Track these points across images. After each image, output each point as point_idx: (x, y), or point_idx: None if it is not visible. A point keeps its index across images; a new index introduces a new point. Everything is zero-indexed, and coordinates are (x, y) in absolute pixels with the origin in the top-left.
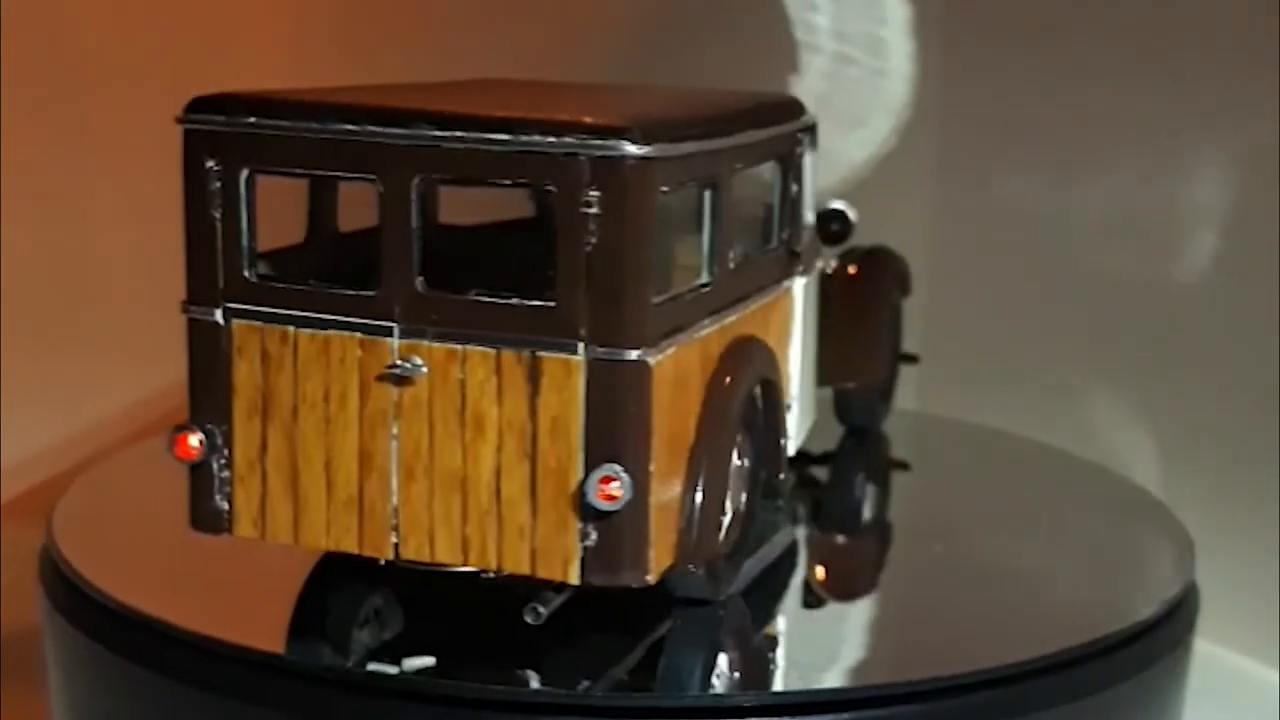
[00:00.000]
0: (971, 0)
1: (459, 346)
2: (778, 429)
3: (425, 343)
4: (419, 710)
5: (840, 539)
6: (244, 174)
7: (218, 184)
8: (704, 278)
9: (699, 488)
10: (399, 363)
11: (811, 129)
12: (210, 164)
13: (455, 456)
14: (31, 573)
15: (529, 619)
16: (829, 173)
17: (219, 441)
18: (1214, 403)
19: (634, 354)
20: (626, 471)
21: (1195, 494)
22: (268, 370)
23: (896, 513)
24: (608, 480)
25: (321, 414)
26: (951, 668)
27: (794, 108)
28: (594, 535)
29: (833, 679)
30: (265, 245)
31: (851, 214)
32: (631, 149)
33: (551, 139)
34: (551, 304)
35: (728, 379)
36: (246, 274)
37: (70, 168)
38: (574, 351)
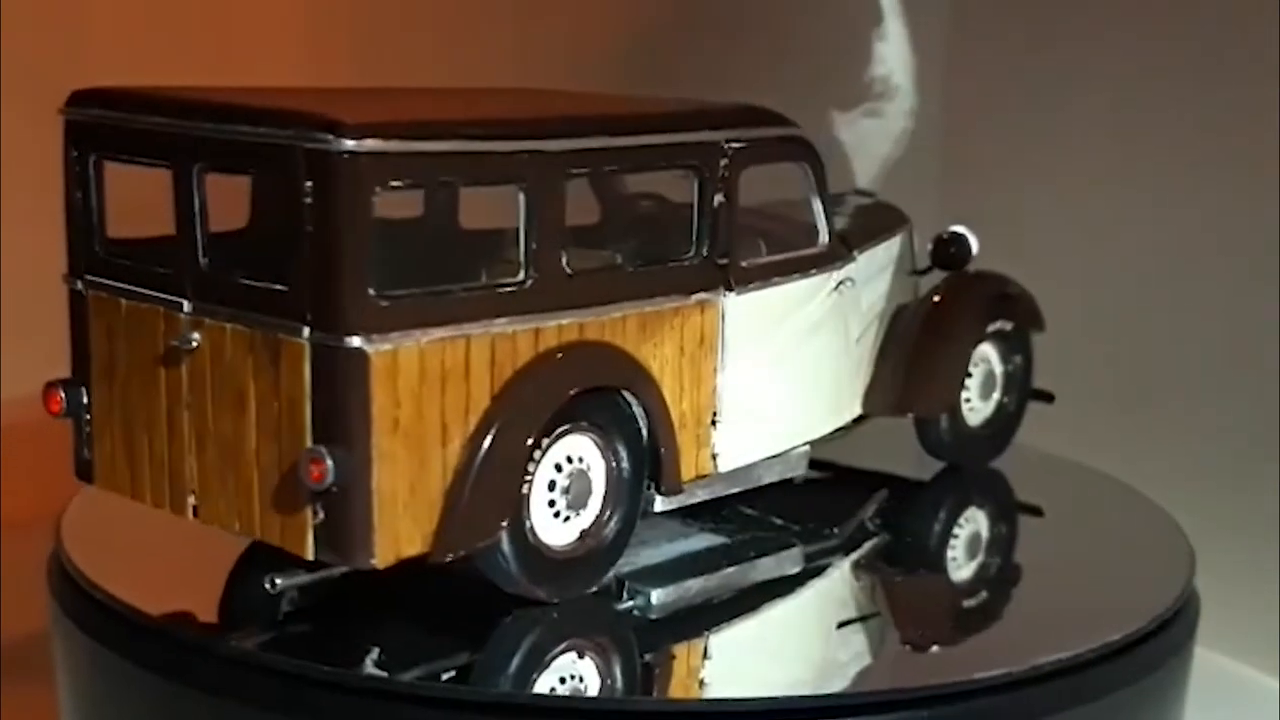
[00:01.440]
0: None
1: (228, 325)
2: (659, 440)
3: (206, 320)
4: (421, 711)
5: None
6: (91, 160)
7: (77, 169)
8: (520, 277)
9: (468, 477)
10: (183, 336)
11: (780, 141)
12: (73, 151)
13: (228, 428)
14: (33, 578)
15: (267, 588)
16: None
17: (83, 399)
18: (1215, 409)
19: (350, 341)
20: (337, 454)
21: (1196, 501)
22: (112, 337)
23: (896, 512)
24: (314, 462)
25: (139, 380)
26: (952, 675)
27: (733, 118)
28: (321, 514)
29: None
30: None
31: (972, 239)
32: (345, 144)
33: (278, 131)
34: (284, 289)
35: (530, 379)
36: (97, 249)
37: None
38: (301, 335)
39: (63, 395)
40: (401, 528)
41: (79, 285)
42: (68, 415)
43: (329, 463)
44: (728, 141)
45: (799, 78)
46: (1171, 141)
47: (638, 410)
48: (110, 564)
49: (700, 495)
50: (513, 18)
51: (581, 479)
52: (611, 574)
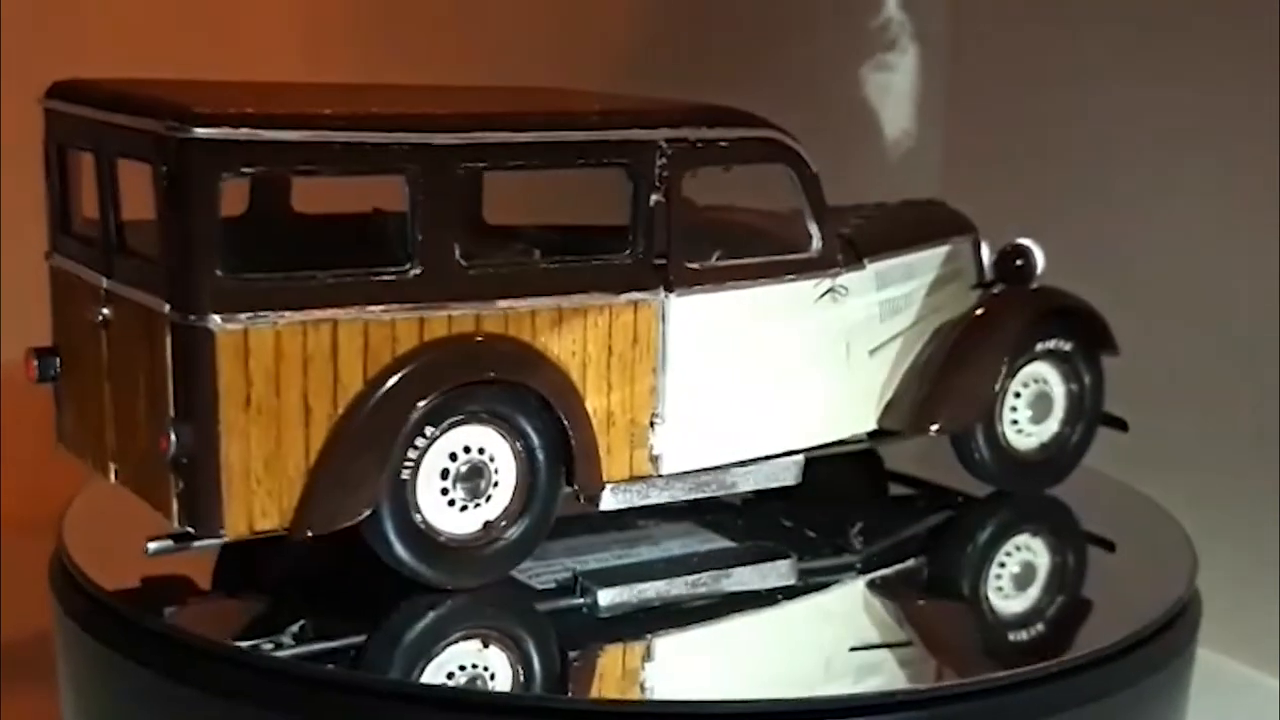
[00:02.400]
0: None
1: (127, 302)
2: (571, 437)
3: (115, 296)
4: (424, 711)
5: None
6: (55, 147)
7: (49, 155)
8: (403, 267)
9: (330, 459)
10: (98, 311)
11: (747, 142)
12: (47, 138)
13: (128, 399)
14: (34, 578)
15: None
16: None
17: (55, 367)
18: (1216, 410)
19: (197, 320)
20: (184, 428)
21: (1198, 502)
22: (68, 310)
23: (896, 514)
24: (161, 434)
25: (82, 351)
26: (953, 676)
27: (677, 117)
28: (181, 484)
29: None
30: None
31: (1036, 253)
32: (194, 131)
33: (147, 120)
34: (157, 269)
35: (407, 367)
36: (68, 230)
37: None
38: (165, 313)
39: (36, 362)
40: (256, 502)
41: (54, 261)
42: (41, 381)
43: (173, 435)
44: (667, 141)
45: (799, 77)
46: (1171, 140)
47: (539, 405)
48: (112, 563)
49: (655, 497)
50: (521, 17)
51: (477, 470)
52: (572, 571)
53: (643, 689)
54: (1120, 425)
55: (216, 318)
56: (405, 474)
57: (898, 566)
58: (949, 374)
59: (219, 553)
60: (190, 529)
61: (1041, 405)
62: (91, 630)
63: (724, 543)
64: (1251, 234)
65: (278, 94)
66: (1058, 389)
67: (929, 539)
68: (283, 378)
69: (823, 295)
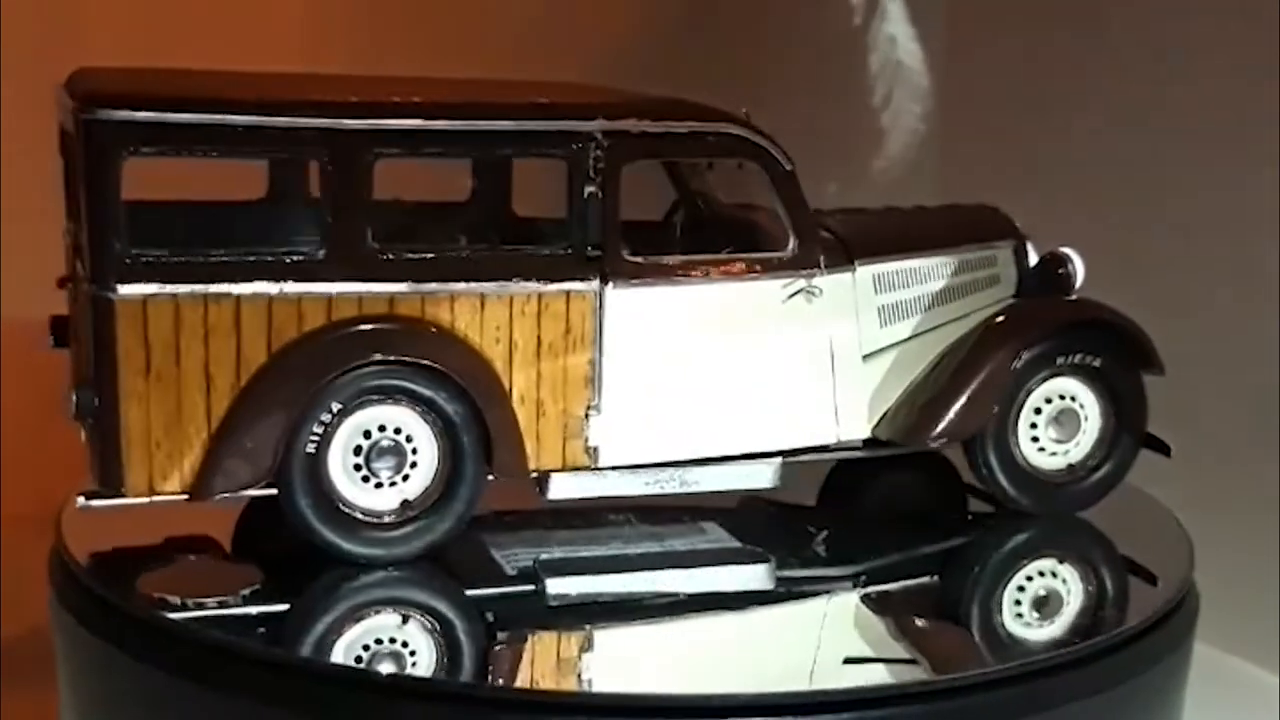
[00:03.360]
0: None
1: (79, 274)
2: (488, 421)
3: (77, 270)
4: (426, 710)
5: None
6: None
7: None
8: (313, 248)
9: (227, 427)
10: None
11: (703, 136)
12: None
13: (79, 365)
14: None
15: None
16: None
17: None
18: (1214, 404)
19: (100, 290)
20: (87, 391)
21: (1195, 496)
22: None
23: (894, 515)
24: (66, 397)
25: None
26: (950, 670)
27: (619, 109)
28: (92, 443)
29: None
30: None
31: (1076, 263)
32: (98, 112)
33: (75, 103)
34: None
35: (308, 344)
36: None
37: None
38: (85, 282)
39: (52, 334)
40: (156, 465)
41: (66, 240)
42: (55, 346)
43: (74, 397)
44: (603, 133)
45: (798, 79)
46: (1171, 140)
47: (460, 388)
48: (111, 558)
49: (605, 490)
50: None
51: (389, 449)
52: (534, 559)
53: (556, 679)
54: (1163, 449)
55: (118, 288)
56: (311, 448)
57: (898, 584)
58: (949, 383)
59: (219, 545)
60: (100, 487)
61: (1068, 423)
62: (90, 626)
63: (715, 544)
64: (1251, 233)
65: (250, 82)
66: (1090, 407)
67: (941, 559)
68: (183, 348)
69: (793, 296)
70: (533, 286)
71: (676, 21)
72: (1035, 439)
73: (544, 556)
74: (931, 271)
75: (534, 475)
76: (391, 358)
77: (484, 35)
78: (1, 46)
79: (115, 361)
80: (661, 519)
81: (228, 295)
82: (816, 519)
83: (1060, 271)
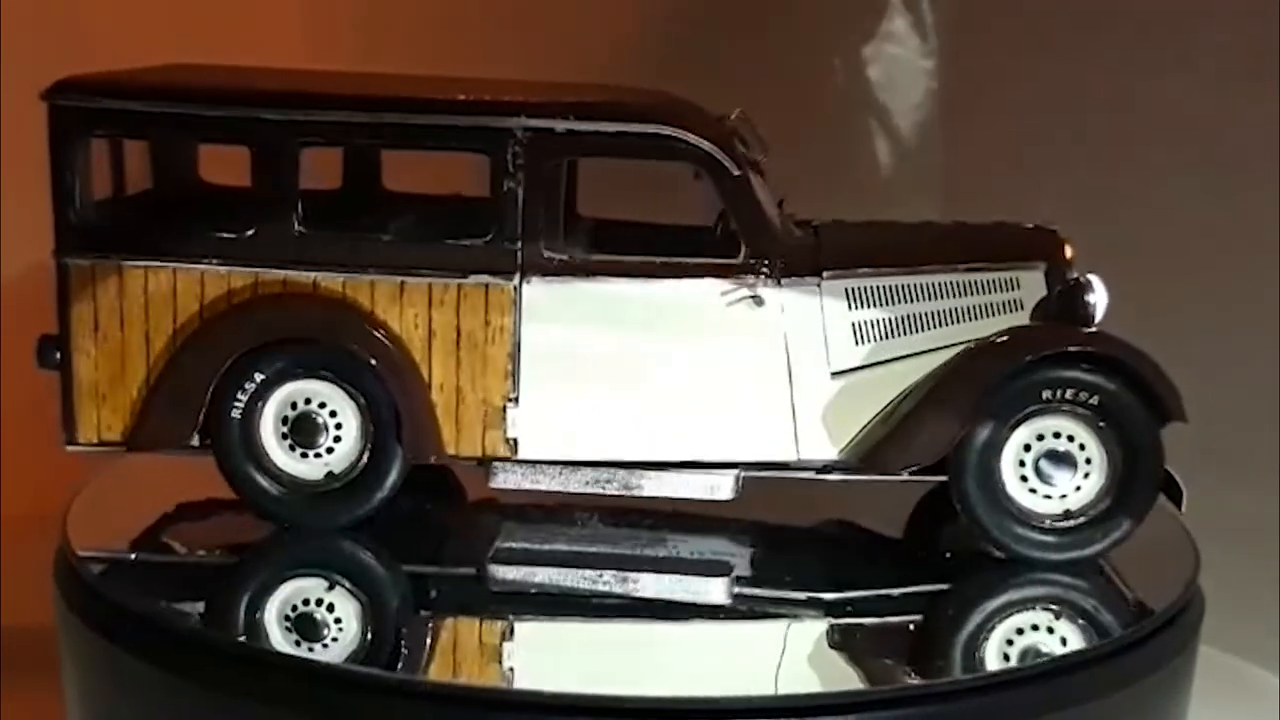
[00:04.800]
0: None
1: None
2: (400, 403)
3: None
4: (426, 710)
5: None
6: None
7: None
8: (244, 230)
9: (157, 387)
10: None
11: (628, 136)
12: None
13: None
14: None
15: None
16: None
17: None
18: (1216, 406)
19: (59, 257)
20: (49, 345)
21: (1199, 498)
22: None
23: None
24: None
25: None
26: (951, 673)
27: (542, 109)
28: (60, 394)
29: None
30: None
31: (1095, 292)
32: (58, 99)
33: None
34: None
35: (231, 316)
36: None
37: None
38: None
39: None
40: (102, 417)
41: None
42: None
43: (38, 350)
44: (524, 130)
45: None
46: (1171, 141)
47: (367, 369)
48: (115, 558)
49: (545, 485)
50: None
51: (307, 421)
52: (486, 546)
53: (472, 662)
54: (1176, 497)
55: (71, 258)
56: (236, 413)
57: (879, 620)
58: (907, 410)
59: (224, 544)
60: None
61: (1062, 465)
62: (95, 626)
63: (677, 553)
64: (1252, 233)
65: (228, 76)
66: (1091, 449)
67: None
68: (126, 313)
69: (734, 303)
70: (454, 278)
71: (678, 20)
72: (1024, 479)
73: (502, 545)
74: (922, 290)
75: (480, 464)
76: (302, 336)
77: (484, 35)
78: (1, 46)
79: (69, 321)
80: (636, 523)
81: (165, 267)
82: (821, 541)
83: (1073, 301)
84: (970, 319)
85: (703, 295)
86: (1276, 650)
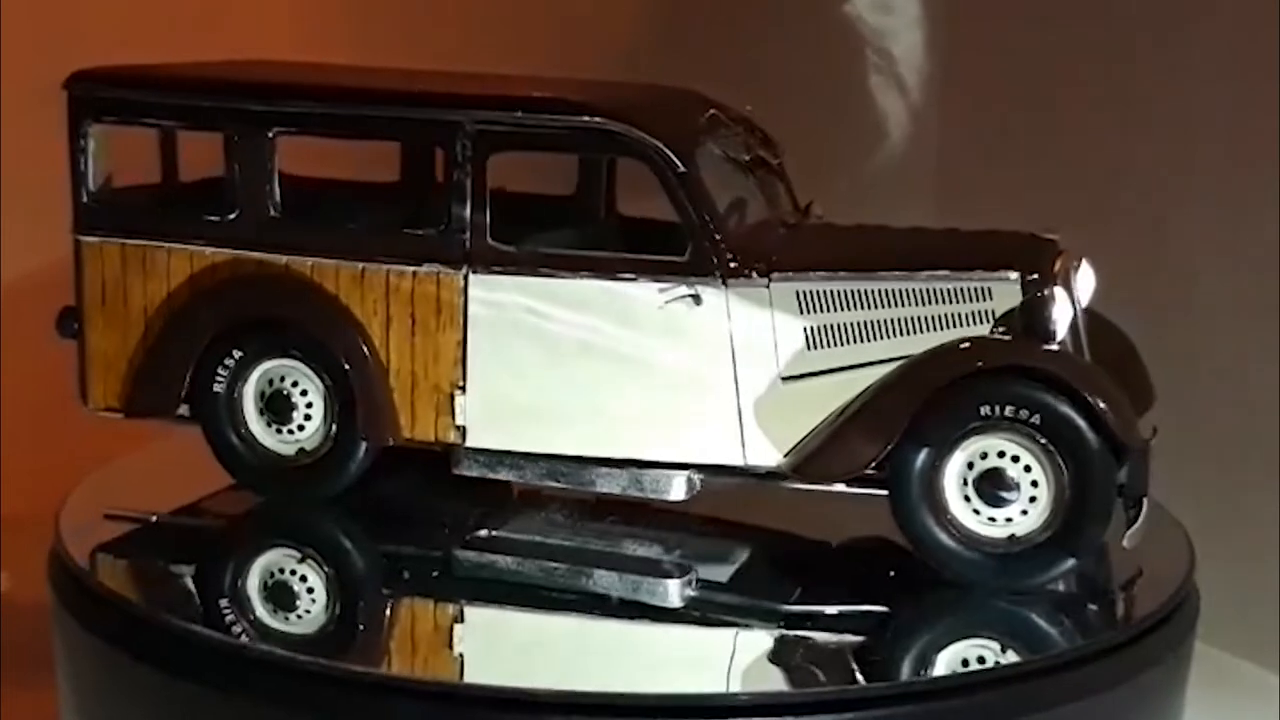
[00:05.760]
0: None
1: None
2: (356, 386)
3: None
4: (426, 708)
5: None
6: None
7: None
8: (228, 213)
9: (148, 358)
10: None
11: (569, 131)
12: None
13: None
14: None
15: None
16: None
17: None
18: (1214, 403)
19: (74, 234)
20: (69, 315)
21: (1195, 496)
22: None
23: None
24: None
25: None
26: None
27: (494, 102)
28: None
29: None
30: None
31: (1056, 304)
32: (73, 87)
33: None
34: None
35: (210, 293)
36: None
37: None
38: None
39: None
40: (109, 384)
41: None
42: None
43: (59, 320)
44: (473, 123)
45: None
46: (1171, 141)
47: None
48: (110, 558)
49: (503, 474)
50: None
51: (280, 399)
52: (473, 533)
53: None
54: (1131, 505)
55: (84, 234)
56: (219, 388)
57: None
58: (849, 418)
59: (219, 544)
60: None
61: (1000, 487)
62: (90, 626)
63: (638, 552)
64: (1252, 233)
65: (225, 70)
66: (1036, 471)
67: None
68: (128, 287)
69: (671, 302)
70: (406, 267)
71: (677, 19)
72: (967, 499)
73: (495, 532)
74: (879, 297)
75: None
76: (270, 318)
77: (483, 34)
78: (1, 47)
79: (83, 293)
80: (622, 520)
81: (160, 247)
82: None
83: (1041, 313)
84: (934, 329)
85: (643, 293)
86: (1276, 650)
